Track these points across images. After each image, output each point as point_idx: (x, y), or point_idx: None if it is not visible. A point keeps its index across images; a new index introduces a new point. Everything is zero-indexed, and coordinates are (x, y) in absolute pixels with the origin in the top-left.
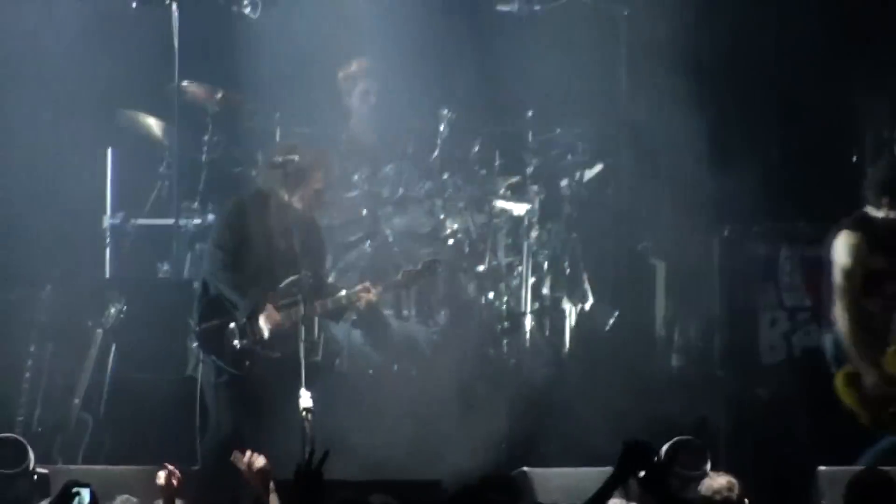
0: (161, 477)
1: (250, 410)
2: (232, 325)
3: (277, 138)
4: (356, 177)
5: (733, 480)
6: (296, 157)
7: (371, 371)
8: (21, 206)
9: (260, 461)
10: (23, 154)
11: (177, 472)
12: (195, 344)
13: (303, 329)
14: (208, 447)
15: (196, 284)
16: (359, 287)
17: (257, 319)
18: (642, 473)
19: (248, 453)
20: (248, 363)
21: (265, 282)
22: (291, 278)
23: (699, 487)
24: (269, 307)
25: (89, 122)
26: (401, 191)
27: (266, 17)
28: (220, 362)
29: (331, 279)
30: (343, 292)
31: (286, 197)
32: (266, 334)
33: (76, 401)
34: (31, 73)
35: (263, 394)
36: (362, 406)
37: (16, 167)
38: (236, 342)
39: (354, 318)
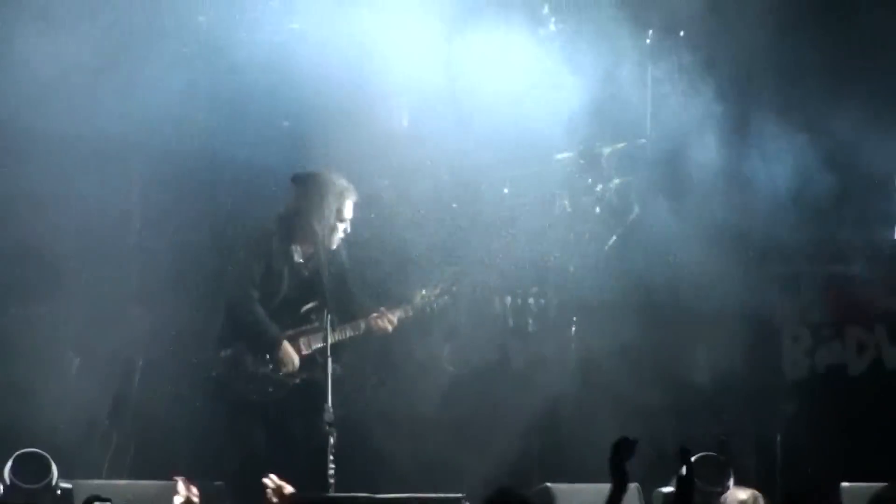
0: (180, 492)
1: (271, 431)
2: (251, 353)
3: (302, 154)
4: (381, 193)
5: (757, 493)
6: (322, 185)
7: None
8: (48, 221)
9: (288, 489)
10: (54, 168)
11: (193, 488)
12: (214, 373)
13: (328, 350)
14: (231, 464)
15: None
16: (374, 315)
17: (280, 350)
18: (668, 489)
19: (277, 480)
20: (270, 389)
21: (290, 309)
22: (311, 305)
23: (723, 499)
24: (289, 348)
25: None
26: (422, 210)
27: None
28: (242, 388)
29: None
30: (361, 321)
31: (311, 225)
32: (290, 367)
33: (101, 416)
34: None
35: (284, 416)
36: (388, 419)
37: (45, 181)
38: (257, 370)
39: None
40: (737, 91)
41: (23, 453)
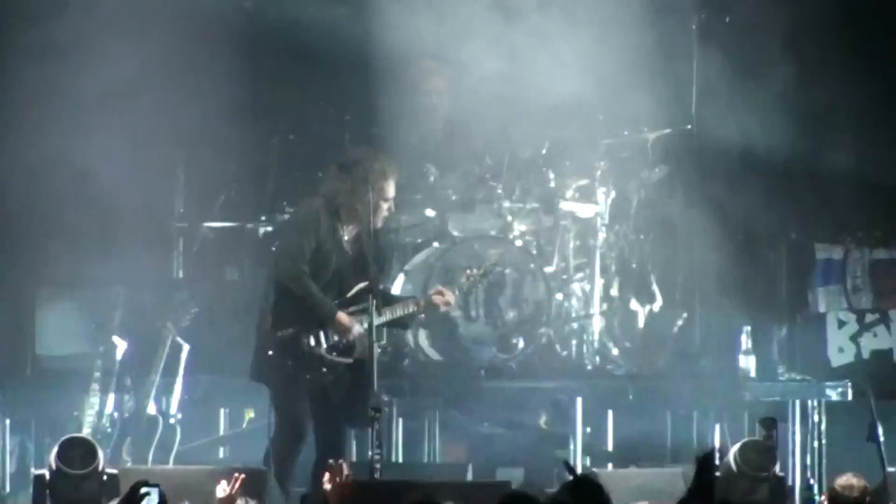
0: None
1: (320, 413)
2: (308, 331)
3: (346, 140)
4: (424, 178)
5: (864, 482)
6: (365, 165)
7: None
8: (92, 208)
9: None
10: (96, 157)
11: (239, 477)
12: (270, 352)
13: (374, 333)
14: (278, 448)
15: (269, 288)
16: (431, 291)
17: (334, 327)
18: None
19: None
20: (324, 369)
21: (337, 289)
22: (361, 285)
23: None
24: (344, 314)
25: (162, 122)
26: (469, 193)
27: (334, 19)
28: (297, 368)
29: (397, 282)
30: (414, 298)
31: (356, 205)
32: (342, 340)
33: (146, 401)
34: (105, 71)
35: (334, 397)
36: (436, 405)
37: (89, 170)
38: (314, 348)
39: (423, 319)
40: (785, 76)
41: (69, 439)
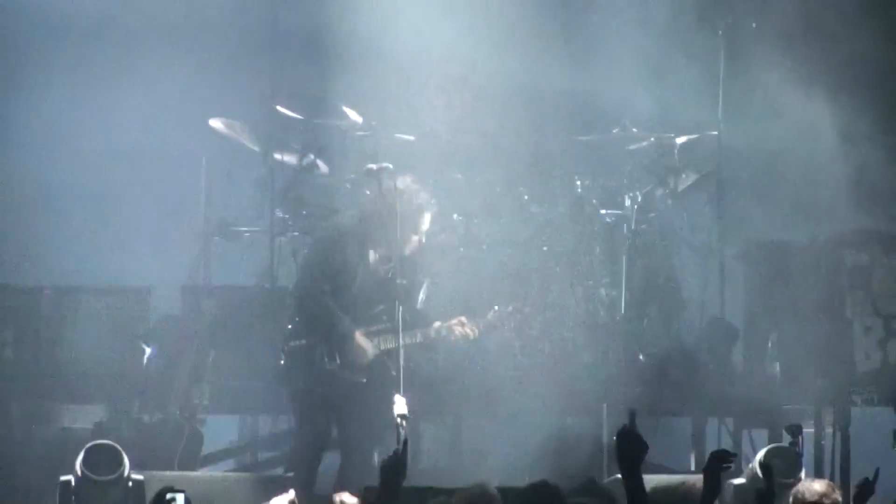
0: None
1: (331, 426)
2: (322, 346)
3: (372, 146)
4: (450, 184)
5: (832, 485)
6: (406, 198)
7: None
8: (120, 213)
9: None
10: (124, 164)
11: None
12: (282, 361)
13: (401, 349)
14: (299, 455)
15: (289, 298)
16: (454, 321)
17: (349, 345)
18: (739, 481)
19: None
20: (333, 385)
21: (360, 308)
22: (382, 307)
23: (796, 491)
24: (360, 335)
25: (186, 128)
26: (495, 198)
27: (362, 25)
28: (307, 381)
29: (423, 288)
30: (437, 324)
31: (388, 232)
32: (356, 360)
33: (172, 408)
34: (129, 79)
35: (345, 413)
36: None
37: (118, 178)
38: (326, 364)
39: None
40: (809, 82)
41: (94, 445)
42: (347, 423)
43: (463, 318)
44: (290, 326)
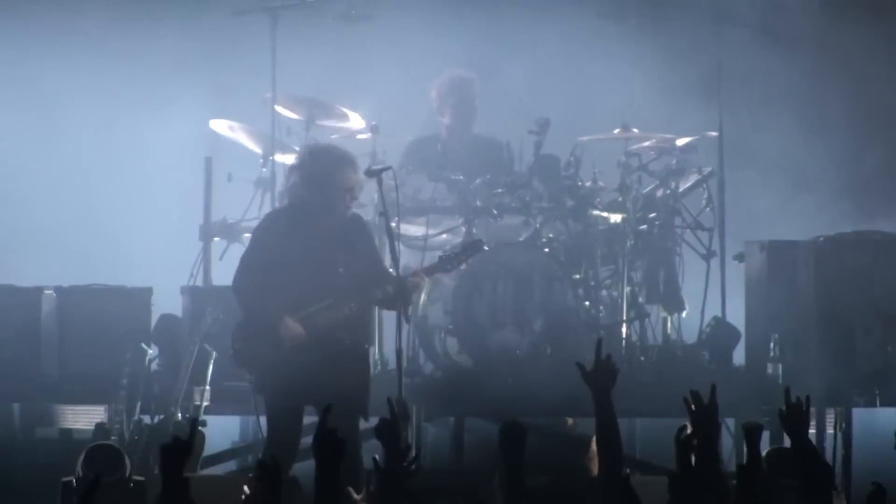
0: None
1: (298, 436)
2: (264, 341)
3: (374, 147)
4: (451, 185)
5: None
6: (315, 160)
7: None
8: (121, 212)
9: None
10: (124, 162)
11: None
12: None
13: (400, 337)
14: (265, 454)
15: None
16: (414, 273)
17: (283, 332)
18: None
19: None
20: (281, 373)
21: (298, 287)
22: (325, 282)
23: None
24: (292, 324)
25: (187, 129)
26: (496, 200)
27: (363, 28)
28: (254, 374)
29: (423, 295)
30: (393, 279)
31: (316, 201)
32: (296, 341)
33: (173, 409)
34: (130, 81)
35: (313, 396)
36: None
37: (120, 177)
38: (271, 356)
39: (450, 326)
40: (808, 81)
41: (96, 446)
42: (318, 403)
43: (416, 270)
44: (236, 325)
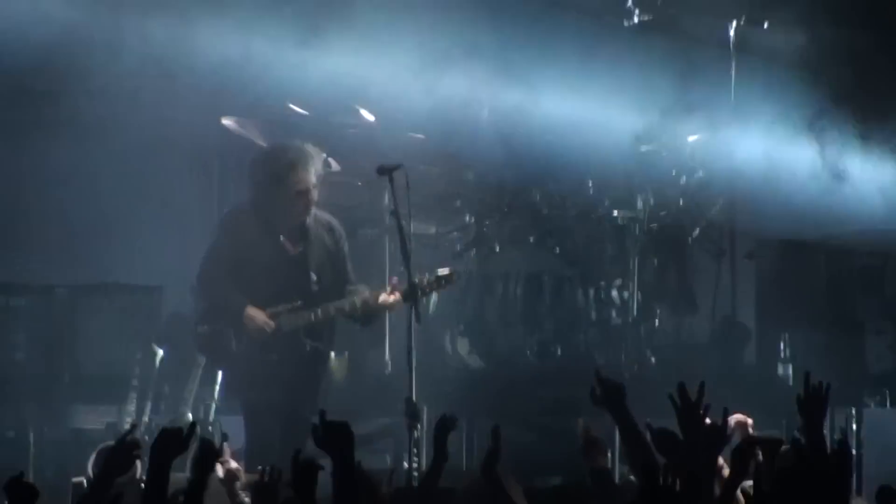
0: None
1: (275, 434)
2: (228, 329)
3: (384, 146)
4: (461, 185)
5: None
6: (271, 161)
7: (478, 379)
8: (130, 212)
9: (228, 465)
10: (133, 161)
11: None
12: (193, 346)
13: (412, 339)
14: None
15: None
16: (383, 290)
17: (246, 322)
18: None
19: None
20: (243, 366)
21: (264, 289)
22: (291, 284)
23: None
24: (253, 309)
25: (196, 127)
26: (506, 199)
27: (370, 21)
28: (216, 365)
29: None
30: (365, 294)
31: (276, 203)
32: (258, 335)
33: (184, 408)
34: (140, 78)
35: (269, 396)
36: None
37: (130, 176)
38: (233, 346)
39: (461, 326)
40: (823, 84)
41: (106, 447)
42: (279, 397)
43: (394, 281)
44: (198, 314)
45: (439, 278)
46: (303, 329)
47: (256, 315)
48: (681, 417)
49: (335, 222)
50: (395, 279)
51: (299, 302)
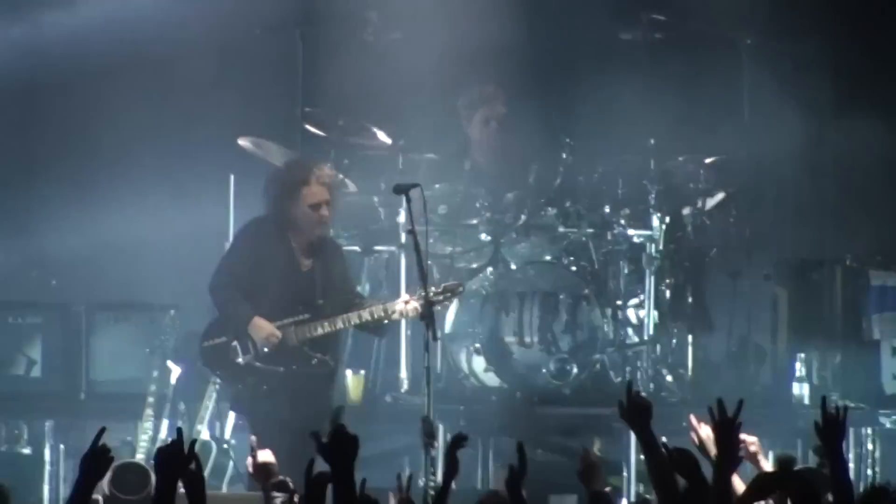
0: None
1: (264, 425)
2: (235, 342)
3: (400, 165)
4: (478, 203)
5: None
6: (282, 178)
7: (494, 398)
8: (146, 231)
9: (263, 455)
10: (149, 181)
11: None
12: (201, 363)
13: (429, 358)
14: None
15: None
16: (398, 300)
17: (252, 333)
18: None
19: (256, 447)
20: (250, 379)
21: (276, 300)
22: (300, 297)
23: None
24: (263, 322)
25: (212, 148)
26: (523, 218)
27: (388, 44)
28: (223, 378)
29: (451, 308)
30: (378, 305)
31: (291, 217)
32: (264, 347)
33: (199, 427)
34: (157, 100)
35: (274, 409)
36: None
37: (143, 193)
38: (239, 359)
39: (477, 345)
40: (835, 101)
41: (122, 464)
42: (285, 411)
43: (407, 296)
44: (207, 325)
45: (445, 289)
46: (309, 342)
47: (263, 325)
48: (717, 433)
49: (336, 241)
50: (405, 296)
51: (306, 315)
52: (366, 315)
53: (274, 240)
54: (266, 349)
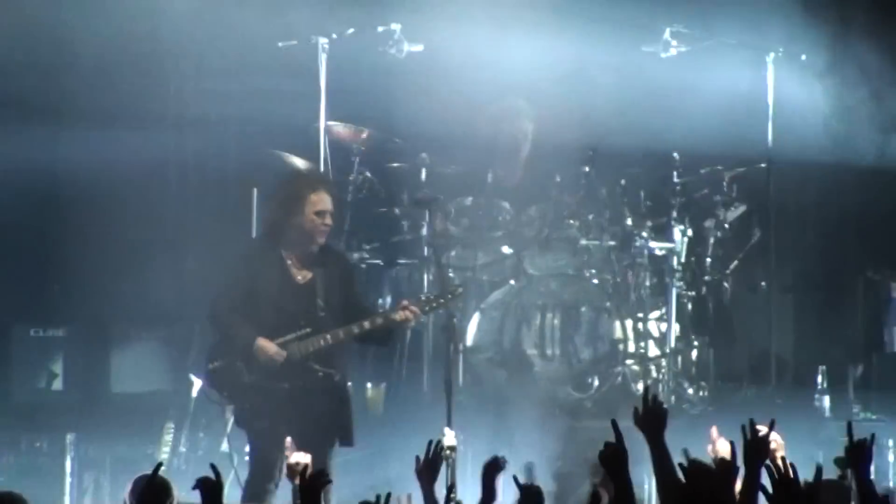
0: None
1: (280, 457)
2: (240, 363)
3: (423, 178)
4: (500, 216)
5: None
6: (287, 184)
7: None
8: (170, 245)
9: (299, 458)
10: (172, 194)
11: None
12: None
13: (449, 367)
14: (251, 491)
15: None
16: (397, 307)
17: (257, 354)
18: None
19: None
20: (257, 398)
21: (273, 318)
22: (300, 312)
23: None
24: (266, 344)
25: (235, 161)
26: (545, 231)
27: (412, 57)
28: (230, 399)
29: (473, 320)
30: (374, 315)
31: (291, 227)
32: (269, 366)
33: (221, 438)
34: (179, 113)
35: (275, 425)
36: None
37: (167, 209)
38: (245, 379)
39: (499, 357)
40: (862, 114)
41: (143, 476)
42: (290, 431)
43: (405, 302)
44: (208, 351)
45: (444, 291)
46: (313, 356)
47: (267, 346)
48: (747, 450)
49: (343, 251)
50: (404, 302)
51: (308, 329)
52: (367, 324)
53: (265, 258)
54: (270, 369)
